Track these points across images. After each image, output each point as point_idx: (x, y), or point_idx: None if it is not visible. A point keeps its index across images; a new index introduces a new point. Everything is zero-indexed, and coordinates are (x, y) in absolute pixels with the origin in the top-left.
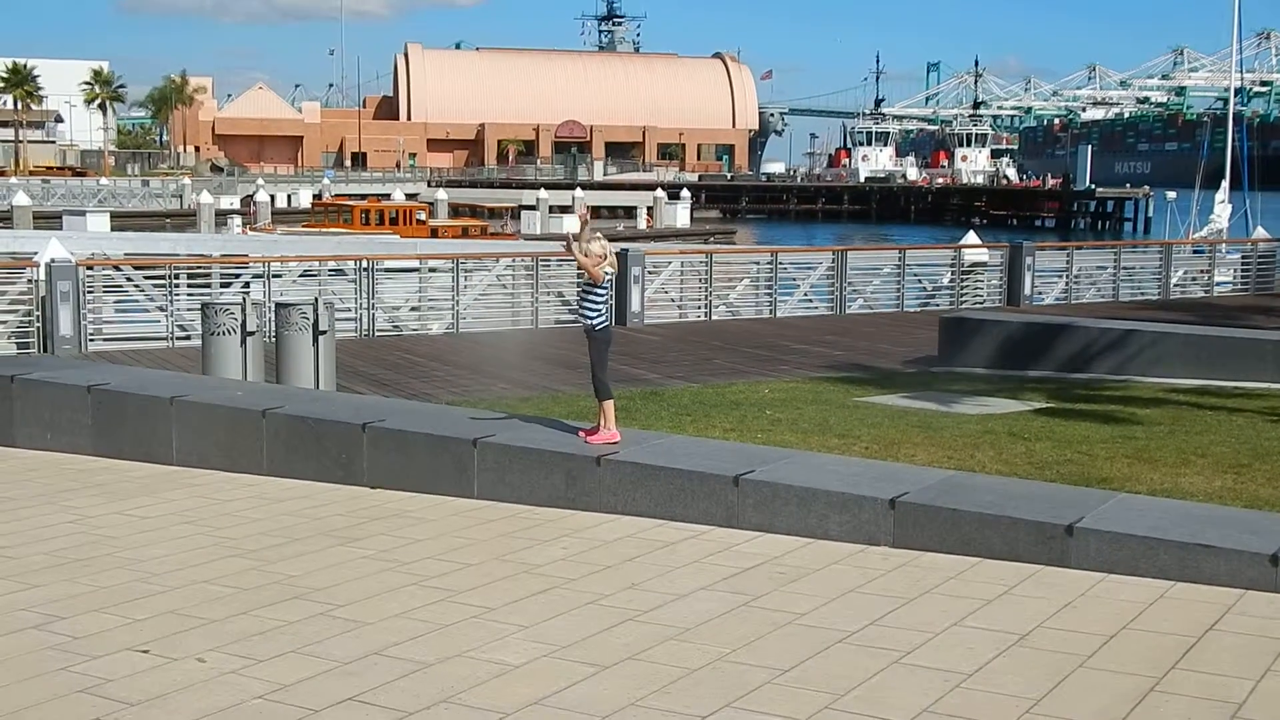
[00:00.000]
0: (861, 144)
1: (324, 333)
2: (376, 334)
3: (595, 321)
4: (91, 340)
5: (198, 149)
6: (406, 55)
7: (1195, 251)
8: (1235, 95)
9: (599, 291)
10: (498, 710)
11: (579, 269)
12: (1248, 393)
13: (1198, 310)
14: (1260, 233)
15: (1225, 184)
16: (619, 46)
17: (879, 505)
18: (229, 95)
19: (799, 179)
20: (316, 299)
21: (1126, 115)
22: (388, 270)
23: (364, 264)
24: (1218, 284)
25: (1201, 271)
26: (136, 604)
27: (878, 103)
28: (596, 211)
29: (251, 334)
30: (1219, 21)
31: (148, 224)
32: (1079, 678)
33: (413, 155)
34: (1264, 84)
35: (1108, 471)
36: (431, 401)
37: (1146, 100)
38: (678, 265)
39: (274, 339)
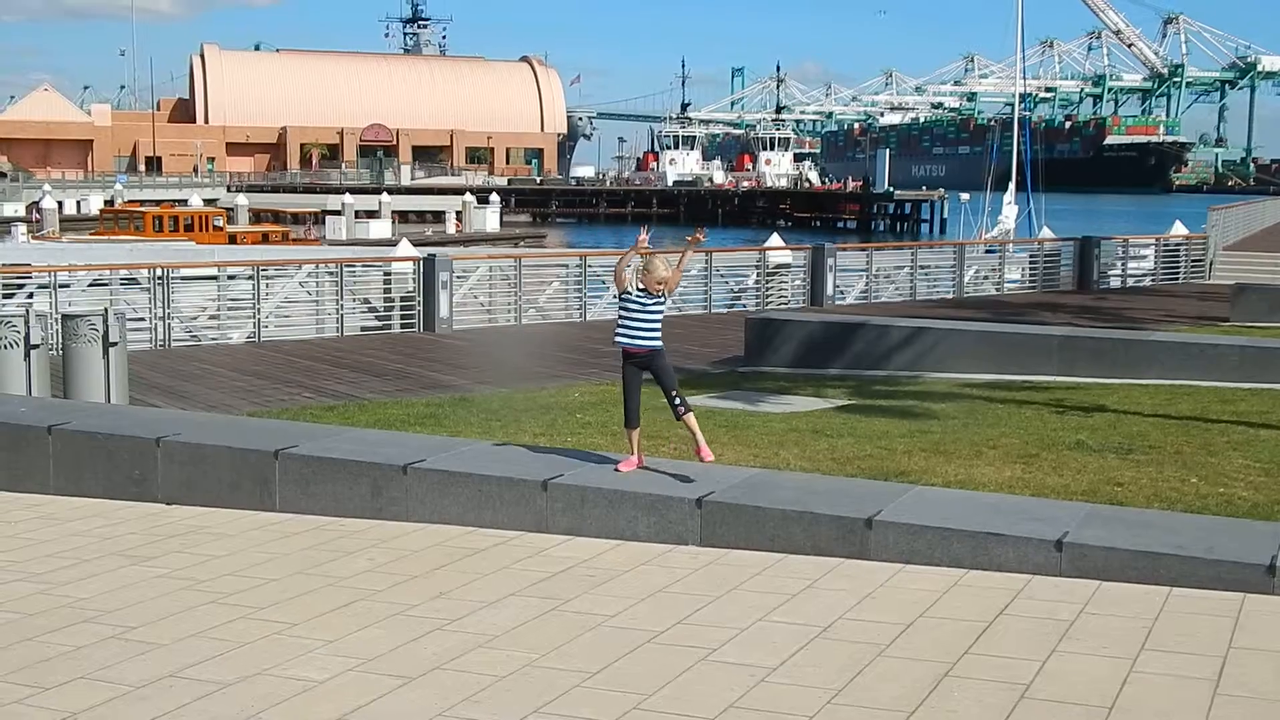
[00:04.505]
0: (669, 147)
1: (115, 344)
2: (173, 344)
3: (638, 342)
4: None
5: None
6: (203, 56)
7: (987, 251)
8: (1020, 101)
9: (649, 307)
10: None
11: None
12: (1035, 386)
13: (989, 307)
14: (1045, 233)
15: (1012, 186)
16: (424, 49)
17: (686, 505)
18: (11, 97)
19: (608, 182)
20: (106, 309)
21: (922, 120)
22: (184, 278)
23: (158, 272)
24: (1008, 282)
25: (993, 270)
26: None
27: (684, 107)
28: (405, 216)
29: (36, 347)
30: (1006, 30)
31: None
32: (878, 666)
33: (211, 159)
34: (1048, 90)
35: (906, 465)
36: (231, 413)
37: (940, 105)
38: (486, 270)
39: (61, 352)
